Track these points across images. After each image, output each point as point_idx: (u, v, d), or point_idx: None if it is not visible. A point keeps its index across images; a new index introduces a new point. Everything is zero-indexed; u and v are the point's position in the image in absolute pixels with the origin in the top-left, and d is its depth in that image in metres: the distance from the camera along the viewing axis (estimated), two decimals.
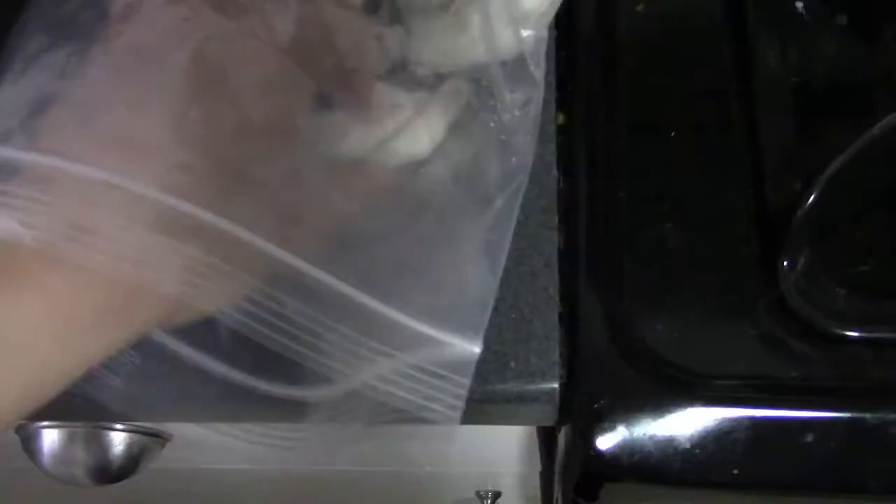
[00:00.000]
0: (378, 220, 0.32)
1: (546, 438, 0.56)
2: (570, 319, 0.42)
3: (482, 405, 0.41)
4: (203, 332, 0.36)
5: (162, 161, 0.28)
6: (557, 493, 0.49)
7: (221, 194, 0.28)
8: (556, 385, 0.40)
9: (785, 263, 0.42)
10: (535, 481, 0.67)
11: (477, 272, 0.32)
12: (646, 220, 0.44)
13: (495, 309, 0.41)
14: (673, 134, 0.46)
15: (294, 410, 0.36)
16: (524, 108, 0.35)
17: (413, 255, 0.32)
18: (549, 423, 0.43)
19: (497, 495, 0.69)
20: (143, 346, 0.36)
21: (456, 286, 0.32)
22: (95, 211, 0.27)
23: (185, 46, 0.29)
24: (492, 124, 0.34)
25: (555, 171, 0.45)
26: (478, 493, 0.70)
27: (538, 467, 0.62)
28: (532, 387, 0.40)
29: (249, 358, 0.35)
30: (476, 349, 0.30)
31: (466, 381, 0.30)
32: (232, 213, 0.28)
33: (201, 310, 0.30)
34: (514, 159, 0.34)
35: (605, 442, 0.39)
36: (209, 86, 0.29)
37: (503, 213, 0.34)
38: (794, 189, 0.44)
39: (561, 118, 0.47)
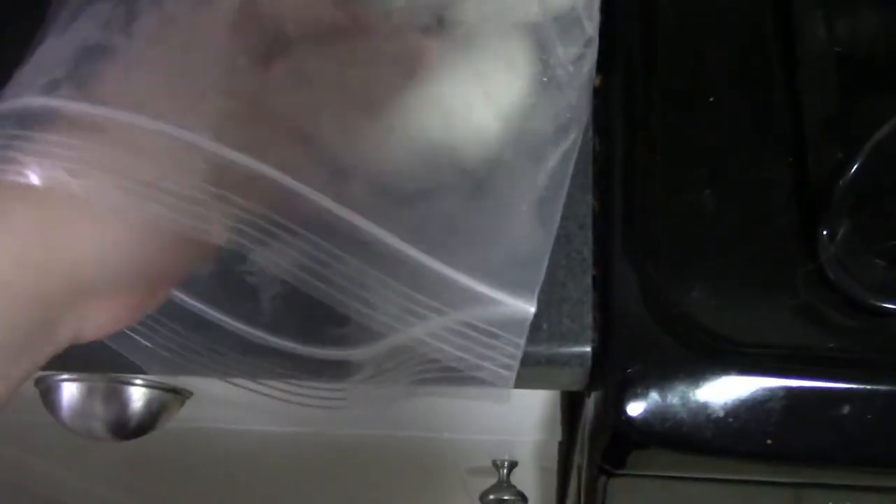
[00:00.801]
0: (430, 176, 0.31)
1: (569, 408, 0.55)
2: (603, 283, 0.41)
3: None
4: (244, 301, 0.36)
5: (212, 111, 0.28)
6: (581, 460, 0.48)
7: (273, 146, 0.28)
8: (588, 349, 0.40)
9: (825, 234, 0.41)
10: (552, 451, 0.66)
11: (530, 230, 0.31)
12: (682, 185, 0.43)
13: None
14: (711, 99, 0.45)
15: (338, 370, 0.35)
16: (577, 64, 0.34)
17: (466, 212, 0.31)
18: (579, 387, 0.42)
19: (513, 465, 0.69)
20: (182, 318, 0.36)
21: (509, 244, 0.31)
22: (144, 160, 0.27)
23: None
24: (545, 79, 0.33)
25: (590, 133, 0.44)
26: (494, 461, 0.69)
27: (557, 437, 0.61)
28: (564, 350, 0.40)
29: (293, 324, 0.35)
30: (531, 308, 0.29)
31: (521, 342, 0.29)
32: (283, 165, 0.27)
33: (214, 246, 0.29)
34: (567, 115, 0.34)
35: (637, 408, 0.39)
36: (260, 35, 0.29)
37: (557, 170, 0.33)
38: (836, 158, 0.43)
39: (598, 80, 0.46)
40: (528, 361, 0.40)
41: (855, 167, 0.40)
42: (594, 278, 0.41)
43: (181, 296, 0.35)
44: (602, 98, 0.45)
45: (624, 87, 0.46)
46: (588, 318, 0.40)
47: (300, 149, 0.29)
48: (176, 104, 0.28)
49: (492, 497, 0.69)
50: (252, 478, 0.88)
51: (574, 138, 0.33)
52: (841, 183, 0.40)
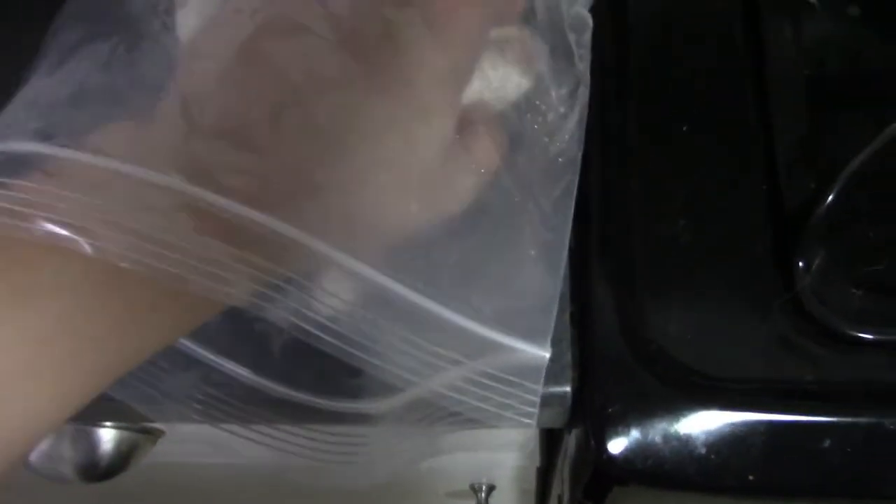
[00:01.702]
0: (432, 228, 0.31)
1: (548, 435, 0.55)
2: (581, 320, 0.41)
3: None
4: (254, 350, 0.35)
5: (224, 165, 0.27)
6: (563, 493, 0.48)
7: (285, 199, 0.27)
8: (567, 388, 0.39)
9: (800, 264, 0.41)
10: (531, 475, 0.66)
11: (538, 274, 0.31)
12: (658, 215, 0.43)
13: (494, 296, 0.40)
14: (685, 128, 0.45)
15: (354, 423, 0.35)
16: (569, 102, 0.33)
17: (474, 259, 0.31)
18: (559, 425, 0.42)
19: (491, 488, 0.69)
20: (188, 365, 0.35)
21: (519, 290, 0.30)
22: (157, 217, 0.25)
23: (238, 40, 0.27)
24: (536, 126, 0.33)
25: None
26: (472, 485, 0.69)
27: (536, 462, 0.61)
28: (544, 390, 0.39)
29: (307, 376, 0.34)
30: (545, 354, 0.29)
31: (538, 388, 0.29)
32: (296, 219, 0.26)
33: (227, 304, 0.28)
34: (560, 159, 0.33)
35: (618, 446, 0.38)
36: (267, 83, 0.28)
37: (558, 212, 0.32)
38: (809, 186, 0.43)
39: None
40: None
41: (830, 197, 0.40)
42: (571, 315, 0.41)
43: (188, 343, 0.34)
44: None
45: (597, 115, 0.45)
46: (567, 357, 0.40)
47: (313, 201, 0.27)
48: (187, 159, 0.26)
49: None
50: None
51: (570, 179, 0.33)
52: (816, 212, 0.40)
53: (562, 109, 0.33)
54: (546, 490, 0.66)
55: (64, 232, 0.24)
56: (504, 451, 0.61)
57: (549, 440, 0.55)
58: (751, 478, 0.38)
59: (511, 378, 0.28)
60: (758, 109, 0.45)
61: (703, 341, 0.40)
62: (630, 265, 0.42)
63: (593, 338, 0.40)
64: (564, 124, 0.33)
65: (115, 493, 0.79)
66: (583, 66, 0.34)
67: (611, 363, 0.40)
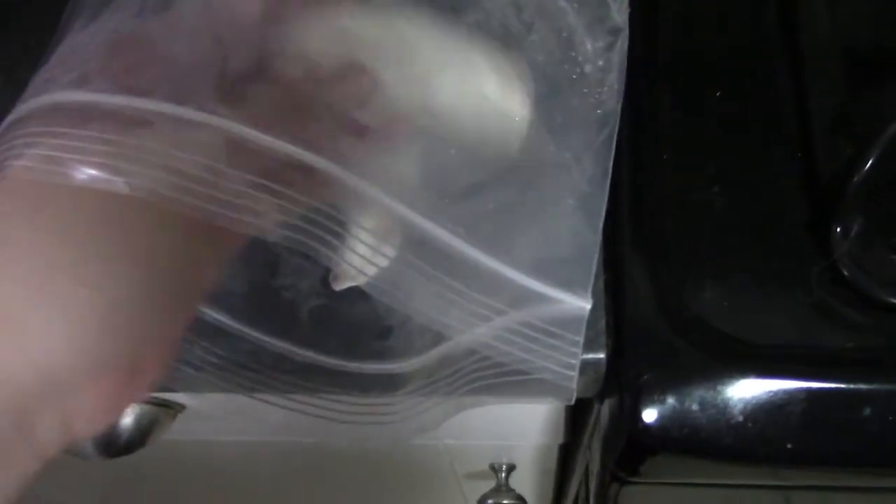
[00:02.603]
0: (474, 174, 0.30)
1: (574, 410, 0.54)
2: (615, 288, 0.40)
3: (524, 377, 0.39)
4: (283, 318, 0.34)
5: (260, 101, 0.26)
6: (592, 466, 0.47)
7: (325, 139, 0.26)
8: (602, 355, 0.39)
9: (838, 230, 0.40)
10: (553, 454, 0.65)
11: (578, 226, 0.30)
12: (691, 183, 0.42)
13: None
14: (718, 94, 0.44)
15: (385, 384, 0.34)
16: (607, 54, 0.32)
17: (514, 210, 0.30)
18: (592, 394, 0.41)
19: (511, 468, 0.68)
20: (214, 335, 0.34)
21: (559, 241, 0.30)
22: (191, 153, 0.24)
23: None
24: (574, 76, 0.32)
25: None
26: (492, 465, 0.68)
27: (559, 440, 0.60)
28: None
29: (334, 338, 0.33)
30: (587, 305, 0.28)
31: (580, 339, 0.28)
32: (336, 159, 0.25)
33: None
34: (598, 111, 0.32)
35: (654, 415, 0.38)
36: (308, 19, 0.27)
37: (597, 164, 0.32)
38: (846, 153, 0.42)
39: None
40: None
41: (869, 162, 0.39)
42: (605, 283, 0.40)
43: (214, 314, 0.34)
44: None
45: (628, 84, 0.45)
46: (601, 324, 0.39)
47: (351, 143, 0.27)
48: (219, 94, 0.25)
49: (490, 501, 0.67)
50: (246, 488, 0.86)
51: (609, 132, 0.32)
52: (855, 178, 0.40)
53: (600, 62, 0.32)
54: (568, 467, 0.65)
55: (102, 174, 0.23)
56: (525, 430, 0.60)
57: (575, 415, 0.55)
58: (789, 446, 0.37)
59: (553, 329, 0.28)
60: (792, 77, 0.44)
61: (738, 308, 0.39)
62: (664, 233, 0.41)
63: (628, 305, 0.40)
64: (604, 77, 0.32)
65: (132, 471, 0.79)
66: (621, 18, 0.33)
67: (646, 331, 0.39)
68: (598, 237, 0.30)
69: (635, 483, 0.42)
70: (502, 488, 0.68)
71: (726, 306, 0.39)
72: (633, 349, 0.39)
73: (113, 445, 0.56)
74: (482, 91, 0.31)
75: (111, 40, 0.27)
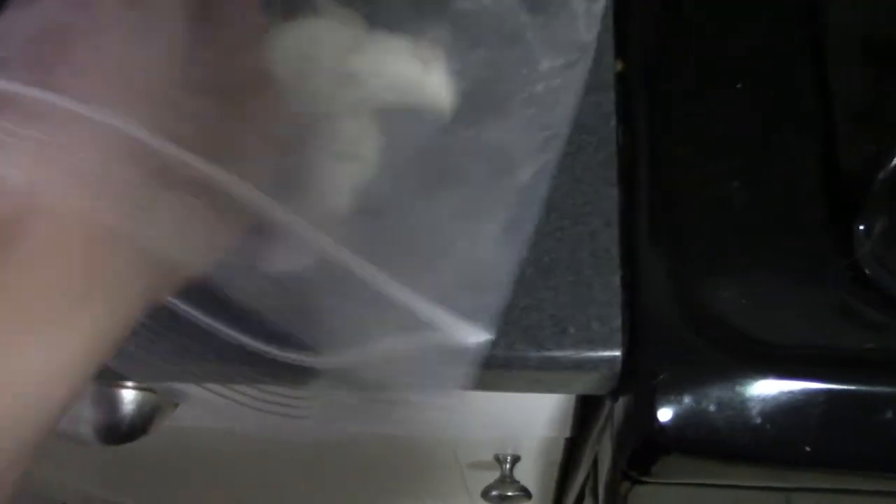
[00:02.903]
0: (397, 188, 0.29)
1: (583, 406, 0.53)
2: (632, 284, 0.39)
3: (536, 373, 0.38)
4: (210, 294, 0.33)
5: (165, 106, 0.25)
6: (601, 463, 0.47)
7: (222, 149, 0.25)
8: (618, 353, 0.38)
9: (861, 228, 0.39)
10: (558, 447, 0.64)
11: (496, 253, 0.29)
12: (710, 177, 0.41)
13: (552, 271, 0.39)
14: (739, 86, 0.43)
15: (299, 376, 0.33)
16: (566, 73, 0.31)
17: (430, 229, 0.30)
18: (605, 392, 0.40)
19: (516, 459, 0.67)
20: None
21: (472, 266, 0.29)
22: (90, 153, 0.24)
23: None
24: (525, 95, 0.31)
25: (613, 122, 0.42)
26: (496, 456, 0.68)
27: (566, 434, 0.59)
28: (593, 354, 0.38)
29: (258, 323, 0.32)
30: (485, 337, 0.28)
31: (471, 369, 0.28)
32: (234, 169, 0.25)
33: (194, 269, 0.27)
34: (545, 133, 0.31)
35: (669, 414, 0.37)
36: (212, 28, 0.26)
37: (530, 190, 0.31)
38: (870, 149, 0.41)
39: (619, 65, 0.43)
40: (553, 366, 0.38)
41: (895, 160, 0.38)
42: (622, 278, 0.39)
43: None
44: (624, 84, 0.43)
45: (646, 73, 0.44)
46: (617, 321, 0.38)
47: (250, 153, 0.26)
48: (129, 96, 0.25)
49: (495, 493, 0.67)
50: (249, 477, 0.85)
51: (548, 158, 0.31)
52: (880, 175, 0.39)
53: (557, 80, 0.31)
54: (573, 461, 0.64)
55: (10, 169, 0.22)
56: (531, 422, 0.59)
57: (584, 410, 0.54)
58: (807, 449, 0.37)
59: (445, 356, 0.27)
60: (815, 70, 0.43)
61: (757, 307, 0.39)
62: (682, 228, 0.40)
63: (644, 302, 0.39)
64: (557, 97, 0.31)
65: (134, 459, 0.78)
66: (589, 36, 0.32)
67: (662, 328, 0.38)
68: (514, 267, 0.30)
69: (647, 482, 0.41)
70: (506, 479, 0.67)
71: (745, 304, 0.38)
72: (649, 347, 0.38)
73: (115, 432, 0.55)
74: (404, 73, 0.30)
75: (41, 27, 0.26)
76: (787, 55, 0.44)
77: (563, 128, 0.33)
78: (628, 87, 0.43)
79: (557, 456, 0.66)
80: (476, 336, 0.28)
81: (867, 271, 0.38)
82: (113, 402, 0.54)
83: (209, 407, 0.57)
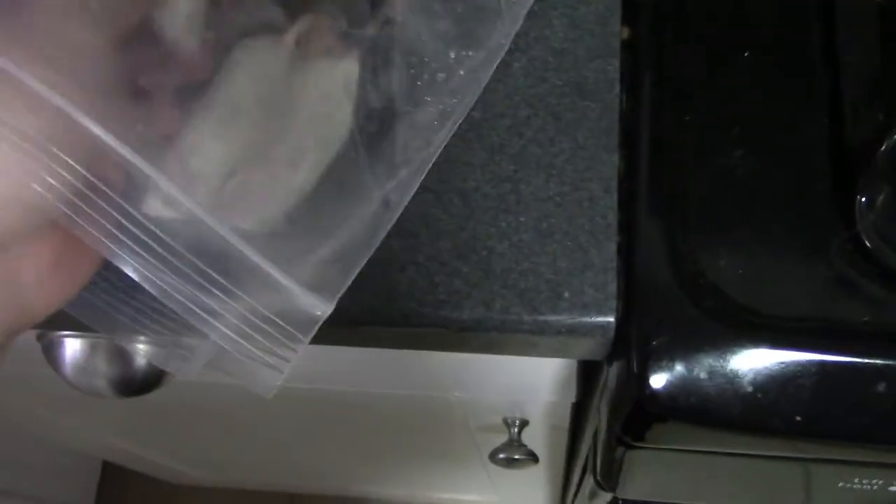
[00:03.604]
0: (277, 150, 0.30)
1: (585, 369, 0.54)
2: (628, 250, 0.39)
3: (531, 336, 0.39)
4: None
5: (67, 56, 0.25)
6: (600, 428, 0.47)
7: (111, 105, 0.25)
8: (611, 319, 0.38)
9: (863, 200, 0.39)
10: (565, 411, 0.65)
11: (357, 232, 0.30)
12: (713, 146, 0.41)
13: (550, 236, 0.39)
14: (746, 54, 0.43)
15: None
16: (472, 65, 0.32)
17: (305, 199, 0.30)
18: (600, 357, 0.41)
19: (524, 423, 0.68)
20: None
21: (335, 242, 0.29)
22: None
23: None
24: (418, 83, 0.31)
25: (617, 89, 0.42)
26: (504, 420, 0.68)
27: (571, 399, 0.60)
28: (587, 319, 0.38)
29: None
30: (325, 310, 0.28)
31: (305, 341, 0.28)
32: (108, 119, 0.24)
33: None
34: (434, 123, 0.31)
35: (661, 381, 0.37)
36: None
37: (407, 175, 0.31)
38: (876, 120, 0.40)
39: (625, 32, 0.43)
40: (547, 330, 0.39)
41: None
42: (619, 245, 0.39)
43: None
44: (630, 51, 0.43)
45: (652, 39, 0.43)
46: (612, 287, 0.38)
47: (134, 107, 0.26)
48: (30, 47, 0.24)
49: (502, 456, 0.68)
50: (259, 430, 0.87)
51: (428, 154, 0.32)
52: (884, 146, 0.38)
53: (461, 72, 0.32)
54: (579, 426, 0.65)
55: None
56: (538, 387, 0.60)
57: (586, 374, 0.54)
58: (798, 419, 0.37)
59: (282, 323, 0.27)
60: (824, 39, 0.43)
61: (755, 277, 0.39)
62: (681, 197, 0.40)
63: (640, 269, 0.39)
64: (457, 89, 0.31)
65: (150, 411, 0.80)
66: (503, 37, 0.32)
67: (657, 296, 0.38)
68: (372, 248, 0.30)
69: (641, 448, 0.41)
70: (514, 443, 0.68)
71: (742, 274, 0.39)
72: (643, 314, 0.38)
73: (129, 385, 0.56)
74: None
75: None
76: (797, 25, 0.44)
77: (449, 123, 0.33)
78: (634, 55, 0.43)
79: (565, 421, 0.67)
80: (316, 306, 0.28)
81: (868, 244, 0.38)
82: (127, 357, 0.55)
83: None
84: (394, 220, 0.31)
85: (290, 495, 1.46)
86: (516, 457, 0.67)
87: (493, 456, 0.68)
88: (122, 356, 0.55)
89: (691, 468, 0.44)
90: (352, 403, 0.72)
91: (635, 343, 0.38)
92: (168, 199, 0.25)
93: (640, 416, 0.39)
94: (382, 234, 0.31)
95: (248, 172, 0.29)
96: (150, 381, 0.56)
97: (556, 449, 0.78)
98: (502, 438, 0.70)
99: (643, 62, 0.43)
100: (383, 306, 0.39)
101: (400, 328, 0.39)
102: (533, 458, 0.67)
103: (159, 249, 0.26)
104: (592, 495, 0.56)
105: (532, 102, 0.41)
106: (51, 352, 0.55)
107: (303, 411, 0.77)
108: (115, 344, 0.54)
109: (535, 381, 0.59)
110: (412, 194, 0.32)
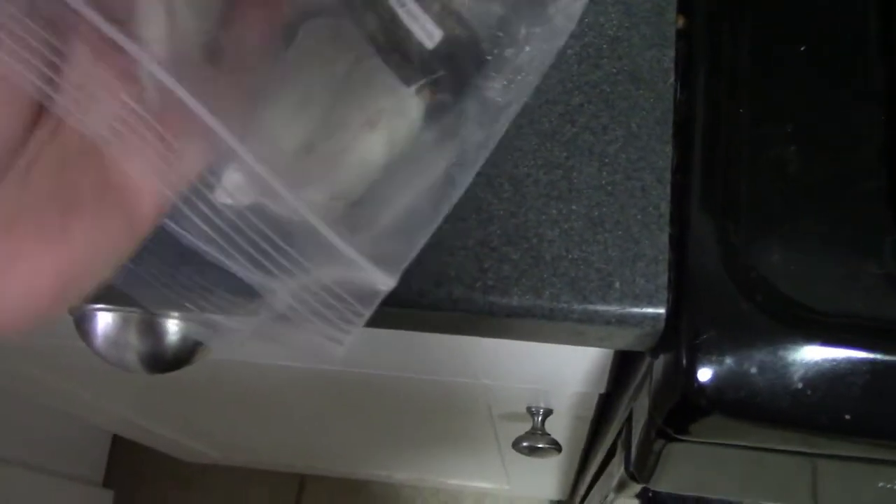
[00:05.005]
0: (351, 119, 0.29)
1: (620, 362, 0.53)
2: (680, 242, 0.39)
3: (579, 325, 0.39)
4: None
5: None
6: (636, 420, 0.47)
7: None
8: (662, 310, 0.38)
9: None
10: (591, 401, 0.65)
11: (423, 203, 0.29)
12: (767, 140, 0.41)
13: (601, 224, 0.39)
14: (802, 48, 0.42)
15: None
16: (538, 44, 0.31)
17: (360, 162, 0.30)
18: (646, 348, 0.41)
19: (548, 413, 0.68)
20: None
21: (397, 211, 0.29)
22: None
23: None
24: (488, 57, 0.31)
25: (672, 79, 0.41)
26: (529, 408, 0.68)
27: (601, 389, 0.60)
28: (637, 310, 0.38)
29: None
30: (389, 284, 0.27)
31: (366, 314, 0.27)
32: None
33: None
34: (498, 100, 0.31)
35: (710, 374, 0.37)
36: None
37: (471, 155, 0.31)
38: None
39: (681, 21, 0.43)
40: (596, 319, 0.38)
41: None
42: (671, 236, 0.39)
43: None
44: (685, 41, 0.42)
45: (708, 30, 0.43)
46: (663, 279, 0.38)
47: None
48: None
49: (526, 444, 0.68)
50: (286, 411, 0.87)
51: (496, 130, 0.31)
52: None
53: (526, 48, 0.31)
54: (606, 417, 0.65)
55: None
56: (567, 377, 0.60)
57: (621, 366, 0.54)
58: (847, 417, 0.37)
59: (345, 295, 0.27)
60: (881, 34, 0.42)
61: (806, 273, 0.38)
62: (735, 190, 0.40)
63: (692, 261, 0.38)
64: (522, 66, 0.31)
65: (173, 388, 0.80)
66: (571, 16, 0.31)
67: (708, 288, 0.38)
68: (435, 224, 0.29)
69: (682, 440, 0.41)
70: (537, 432, 0.68)
71: (793, 270, 0.38)
72: (694, 306, 0.38)
73: (159, 361, 0.56)
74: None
75: None
76: (855, 18, 0.43)
77: (516, 99, 0.32)
78: (689, 44, 0.42)
79: (590, 411, 0.67)
80: (380, 280, 0.27)
81: None
82: (159, 332, 0.55)
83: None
84: (458, 196, 0.31)
85: (300, 477, 1.46)
86: (540, 445, 0.67)
87: (516, 444, 0.68)
88: (154, 331, 0.55)
89: (732, 463, 0.44)
90: (374, 386, 0.72)
91: (685, 335, 0.38)
92: (245, 168, 0.25)
93: (685, 409, 0.39)
94: (446, 210, 0.30)
95: (321, 144, 0.29)
96: (181, 357, 0.56)
97: (576, 438, 0.78)
98: (524, 427, 0.70)
99: (698, 52, 0.42)
100: (431, 290, 0.38)
101: (448, 312, 0.39)
102: (556, 447, 0.67)
103: (230, 215, 0.26)
104: (621, 486, 0.56)
105: (585, 90, 0.41)
106: (83, 324, 0.55)
107: (322, 392, 0.77)
108: (147, 319, 0.54)
109: (566, 372, 0.59)
110: (476, 171, 0.31)
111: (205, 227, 0.26)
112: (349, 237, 0.27)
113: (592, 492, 0.82)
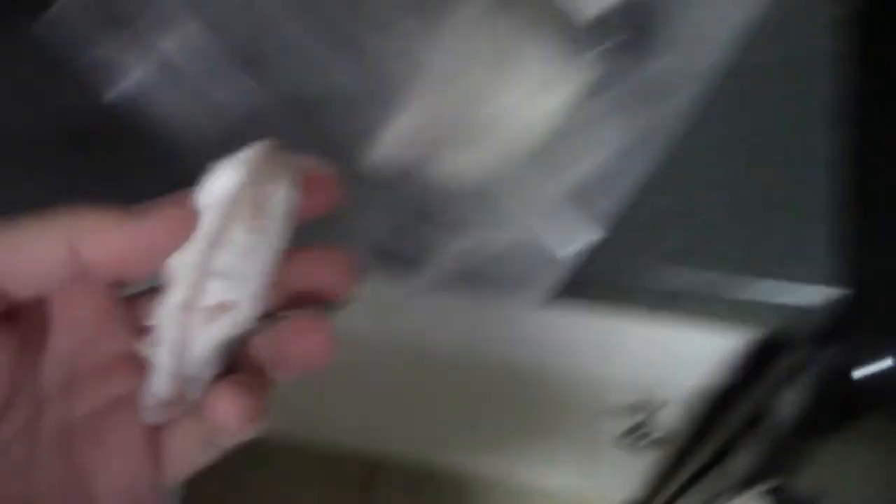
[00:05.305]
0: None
1: (759, 354, 0.52)
2: (850, 232, 0.38)
3: (743, 306, 0.37)
4: None
5: None
6: (780, 411, 0.46)
7: None
8: (830, 300, 0.37)
9: None
10: (707, 395, 0.63)
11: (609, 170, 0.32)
12: None
13: (771, 210, 0.38)
14: None
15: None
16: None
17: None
18: (805, 335, 0.39)
19: (659, 407, 0.67)
20: None
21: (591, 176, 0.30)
22: None
23: None
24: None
25: (838, 68, 0.40)
26: (639, 402, 0.67)
27: (723, 382, 0.58)
28: (801, 297, 0.37)
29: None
30: (579, 247, 0.30)
31: (570, 266, 0.30)
32: None
33: None
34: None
35: (878, 368, 0.36)
36: None
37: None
38: None
39: (846, 10, 0.41)
40: (764, 305, 0.37)
41: None
42: (841, 226, 0.37)
43: None
44: (848, 31, 0.41)
45: (871, 19, 0.41)
46: (832, 268, 0.37)
47: None
48: None
49: (631, 438, 0.66)
50: (384, 394, 0.87)
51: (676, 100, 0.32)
52: None
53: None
54: (718, 412, 0.63)
55: None
56: (685, 369, 0.58)
57: (757, 359, 0.52)
58: None
59: (546, 248, 0.29)
60: None
61: None
62: None
63: (862, 253, 0.37)
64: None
65: None
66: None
67: (879, 280, 0.37)
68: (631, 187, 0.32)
69: (839, 438, 0.40)
70: (645, 426, 0.67)
71: None
72: (863, 297, 0.36)
73: None
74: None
75: None
76: None
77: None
78: (852, 34, 0.41)
79: (703, 405, 0.65)
80: (587, 228, 0.29)
81: None
82: None
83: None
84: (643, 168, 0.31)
85: (368, 472, 1.45)
86: (647, 440, 0.66)
87: (621, 437, 0.67)
88: None
89: (885, 464, 0.43)
90: (486, 366, 0.71)
91: (854, 327, 0.36)
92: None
93: (850, 404, 0.37)
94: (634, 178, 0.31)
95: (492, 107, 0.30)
96: None
97: (679, 434, 0.76)
98: (629, 421, 0.68)
99: (862, 42, 0.41)
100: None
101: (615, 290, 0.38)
102: (665, 442, 0.66)
103: None
104: (749, 481, 0.54)
105: (749, 76, 0.40)
106: None
107: (428, 374, 0.76)
108: None
109: (686, 364, 0.57)
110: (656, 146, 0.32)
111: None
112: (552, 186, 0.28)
113: (692, 490, 0.80)
